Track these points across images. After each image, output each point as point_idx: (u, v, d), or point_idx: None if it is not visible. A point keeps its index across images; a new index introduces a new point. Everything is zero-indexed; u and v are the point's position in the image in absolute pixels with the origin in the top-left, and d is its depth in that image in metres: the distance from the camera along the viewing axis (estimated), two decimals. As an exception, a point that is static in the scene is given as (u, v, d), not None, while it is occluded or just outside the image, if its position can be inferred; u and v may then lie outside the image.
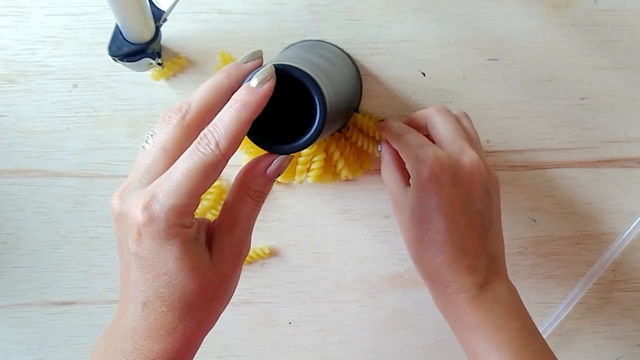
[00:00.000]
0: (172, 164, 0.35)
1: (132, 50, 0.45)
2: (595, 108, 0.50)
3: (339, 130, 0.50)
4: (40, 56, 0.50)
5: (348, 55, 0.49)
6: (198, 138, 0.35)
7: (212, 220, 0.38)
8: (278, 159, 0.39)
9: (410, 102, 0.50)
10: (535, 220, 0.52)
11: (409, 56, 0.49)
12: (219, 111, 0.35)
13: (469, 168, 0.40)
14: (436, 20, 0.49)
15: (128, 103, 0.51)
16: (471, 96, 0.50)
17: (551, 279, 0.52)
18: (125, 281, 0.36)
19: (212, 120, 0.35)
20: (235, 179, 0.39)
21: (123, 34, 0.45)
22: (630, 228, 0.51)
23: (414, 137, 0.42)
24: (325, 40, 0.49)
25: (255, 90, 0.36)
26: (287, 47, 0.49)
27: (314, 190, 0.52)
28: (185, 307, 0.36)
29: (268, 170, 0.39)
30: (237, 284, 0.40)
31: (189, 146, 0.35)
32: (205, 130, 0.35)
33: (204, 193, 0.35)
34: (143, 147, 0.36)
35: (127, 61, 0.46)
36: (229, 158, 0.35)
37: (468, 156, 0.41)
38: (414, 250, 0.42)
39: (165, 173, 0.34)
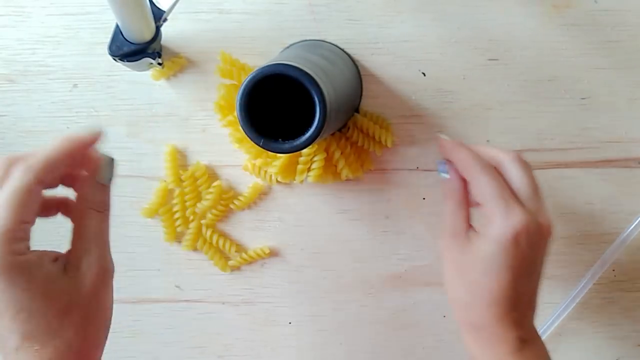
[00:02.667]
0: None
1: (133, 50, 0.45)
2: (596, 108, 0.50)
3: (340, 130, 0.50)
4: (41, 56, 0.50)
5: (348, 55, 0.49)
6: (10, 170, 0.35)
7: (61, 252, 0.38)
8: (95, 163, 0.38)
9: (411, 102, 0.50)
10: (535, 220, 0.52)
11: (409, 56, 0.49)
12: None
13: (545, 233, 0.40)
14: (436, 20, 0.49)
15: (128, 103, 0.51)
16: (471, 96, 0.50)
17: (551, 279, 0.52)
18: None
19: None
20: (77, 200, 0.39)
21: (123, 33, 0.45)
22: (631, 228, 0.51)
23: (499, 185, 0.40)
24: (326, 40, 0.49)
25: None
26: (288, 47, 0.49)
27: (314, 190, 0.52)
28: (55, 337, 0.34)
29: (97, 178, 0.38)
30: (112, 303, 0.39)
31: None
32: (16, 163, 0.35)
33: (30, 219, 0.35)
34: None
35: (128, 61, 0.46)
36: (44, 182, 0.35)
37: (545, 219, 0.40)
38: (464, 296, 0.41)
39: None
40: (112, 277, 0.38)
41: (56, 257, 0.37)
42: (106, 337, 0.39)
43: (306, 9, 0.49)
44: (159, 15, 0.45)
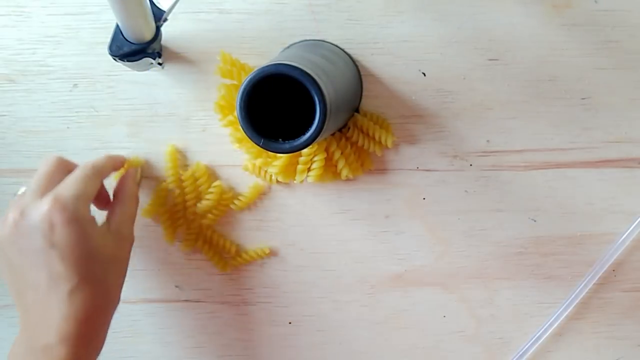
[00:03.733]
0: (53, 185, 0.43)
1: (133, 49, 0.45)
2: (596, 108, 0.50)
3: (340, 130, 0.50)
4: (41, 56, 0.50)
5: (349, 55, 0.49)
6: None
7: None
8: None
9: (411, 102, 0.50)
10: (535, 220, 0.52)
11: (409, 56, 0.49)
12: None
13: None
14: (437, 20, 0.49)
15: (128, 103, 0.51)
16: (471, 96, 0.50)
17: (551, 279, 0.52)
18: (34, 286, 0.41)
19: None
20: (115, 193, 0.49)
21: (123, 33, 0.45)
22: (631, 228, 0.51)
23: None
24: (326, 40, 0.49)
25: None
26: (288, 47, 0.49)
27: (314, 190, 0.52)
28: (101, 282, 0.43)
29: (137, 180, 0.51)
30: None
31: (60, 173, 0.44)
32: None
33: (94, 191, 0.44)
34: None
35: (128, 61, 0.46)
36: (100, 175, 0.46)
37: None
38: None
39: (61, 182, 0.43)
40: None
41: (102, 225, 0.45)
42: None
43: (306, 9, 0.49)
44: (159, 15, 0.45)
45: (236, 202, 0.51)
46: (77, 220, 0.41)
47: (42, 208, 0.40)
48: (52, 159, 0.45)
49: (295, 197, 0.52)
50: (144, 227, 0.53)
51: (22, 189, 0.44)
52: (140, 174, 0.51)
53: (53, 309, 0.40)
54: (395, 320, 0.54)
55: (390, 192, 0.52)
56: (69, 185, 0.42)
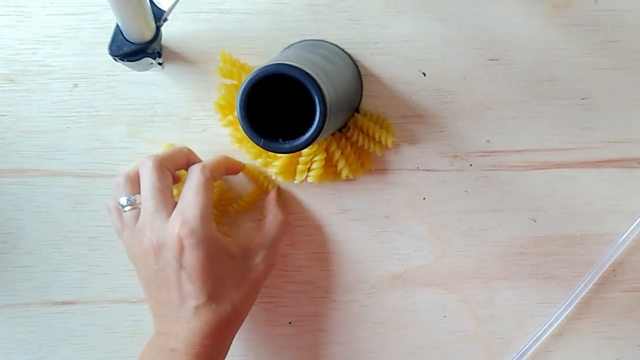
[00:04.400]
0: (169, 196, 0.45)
1: (133, 49, 0.45)
2: (596, 108, 0.50)
3: (340, 130, 0.50)
4: (41, 56, 0.50)
5: (349, 55, 0.49)
6: (189, 170, 0.47)
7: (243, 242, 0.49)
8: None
9: (411, 102, 0.50)
10: (535, 220, 0.52)
11: (409, 56, 0.49)
12: (179, 159, 0.48)
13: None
14: (437, 20, 0.49)
15: (129, 103, 0.51)
16: (471, 96, 0.50)
17: (551, 279, 0.52)
18: (167, 300, 0.45)
19: (173, 164, 0.47)
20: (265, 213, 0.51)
21: (123, 33, 0.45)
22: (631, 228, 0.51)
23: None
24: (326, 40, 0.49)
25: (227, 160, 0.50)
26: (288, 47, 0.49)
27: (314, 190, 0.52)
28: (228, 300, 0.45)
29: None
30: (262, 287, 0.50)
31: (169, 182, 0.46)
32: (192, 166, 0.47)
33: (212, 196, 0.46)
34: (121, 208, 0.46)
35: (128, 61, 0.46)
36: (216, 179, 0.47)
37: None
38: None
39: (179, 201, 0.45)
40: (271, 270, 0.49)
41: (238, 244, 0.47)
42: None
43: (306, 9, 0.49)
44: (159, 15, 0.45)
45: (235, 205, 0.51)
46: (204, 242, 0.44)
47: (172, 233, 0.43)
48: (152, 168, 0.45)
49: (295, 197, 0.52)
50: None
51: (123, 199, 0.46)
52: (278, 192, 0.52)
53: (182, 320, 0.44)
54: (395, 320, 0.54)
55: (390, 192, 0.52)
56: (191, 204, 0.44)
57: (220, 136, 0.51)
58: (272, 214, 0.50)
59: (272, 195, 0.51)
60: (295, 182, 0.50)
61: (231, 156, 0.50)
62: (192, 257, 0.43)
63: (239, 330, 0.49)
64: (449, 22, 0.49)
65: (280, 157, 0.48)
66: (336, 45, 0.49)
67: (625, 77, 0.50)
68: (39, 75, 0.51)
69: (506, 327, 0.53)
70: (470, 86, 0.50)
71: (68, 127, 0.51)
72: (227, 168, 0.49)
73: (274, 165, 0.49)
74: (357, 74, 0.49)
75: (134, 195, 0.46)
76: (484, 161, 0.51)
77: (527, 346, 0.53)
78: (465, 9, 0.49)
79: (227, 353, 0.47)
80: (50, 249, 0.53)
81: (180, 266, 0.44)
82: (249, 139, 0.40)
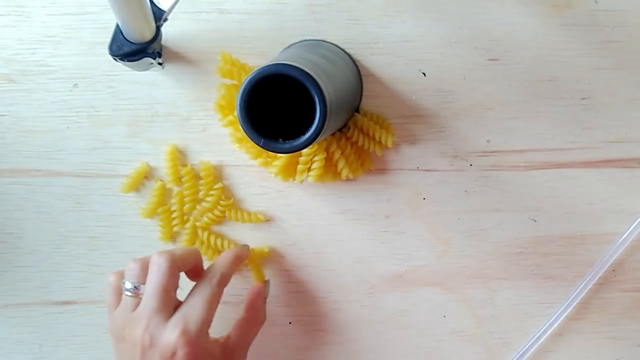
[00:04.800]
0: (173, 296, 0.45)
1: (133, 49, 0.45)
2: (596, 108, 0.50)
3: (340, 130, 0.50)
4: (41, 55, 0.50)
5: (349, 54, 0.49)
6: (203, 275, 0.46)
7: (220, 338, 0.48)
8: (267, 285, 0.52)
9: (411, 102, 0.50)
10: (535, 220, 0.52)
11: (409, 56, 0.49)
12: (189, 260, 0.47)
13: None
14: (437, 20, 0.49)
15: (129, 103, 0.51)
16: (471, 96, 0.50)
17: (551, 279, 0.52)
18: None
19: (184, 265, 0.46)
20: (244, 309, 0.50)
21: (124, 33, 0.45)
22: (631, 228, 0.51)
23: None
24: (326, 40, 0.49)
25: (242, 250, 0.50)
26: (288, 47, 0.49)
27: (314, 190, 0.52)
28: None
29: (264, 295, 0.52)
30: None
31: (177, 282, 0.45)
32: (206, 270, 0.47)
33: (213, 317, 0.45)
34: (123, 290, 0.46)
35: (128, 61, 0.46)
36: (223, 288, 0.46)
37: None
38: None
39: (185, 304, 0.44)
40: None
41: (219, 344, 0.47)
42: None
43: (306, 9, 0.49)
44: (159, 15, 0.45)
45: (233, 212, 0.51)
46: (197, 355, 0.43)
47: (169, 338, 0.42)
48: (166, 268, 0.44)
49: (295, 197, 0.52)
50: (144, 227, 0.53)
51: (129, 284, 0.45)
52: (268, 288, 0.52)
53: None
54: (395, 320, 0.54)
55: (390, 192, 0.52)
56: (196, 313, 0.44)
57: (220, 136, 0.51)
58: (255, 312, 0.50)
59: (259, 289, 0.51)
60: (295, 182, 0.50)
61: (222, 190, 0.51)
62: None
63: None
64: (449, 22, 0.49)
65: (280, 157, 0.48)
66: (336, 45, 0.49)
67: (625, 77, 0.50)
68: (39, 75, 0.51)
69: (506, 327, 0.53)
70: (470, 86, 0.50)
71: (68, 127, 0.51)
72: (237, 267, 0.50)
73: (274, 165, 0.49)
74: (357, 73, 0.49)
75: (139, 284, 0.45)
76: (484, 161, 0.51)
77: (527, 346, 0.53)
78: (465, 9, 0.49)
79: None
80: (50, 248, 0.53)
81: None
82: (249, 139, 0.40)
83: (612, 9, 0.49)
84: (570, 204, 0.52)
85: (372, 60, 0.50)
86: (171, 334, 0.42)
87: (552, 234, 0.52)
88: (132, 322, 0.44)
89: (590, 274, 0.52)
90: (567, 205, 0.52)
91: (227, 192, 0.52)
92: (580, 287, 0.52)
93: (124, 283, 0.45)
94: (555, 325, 0.52)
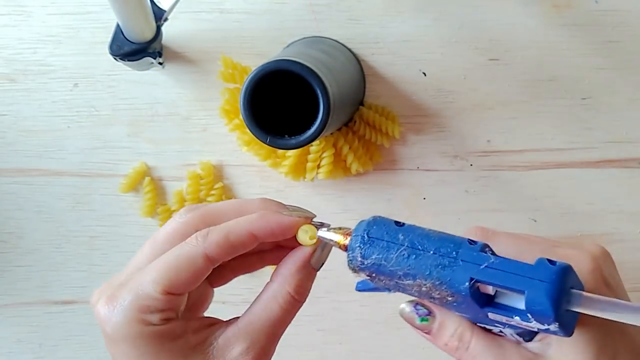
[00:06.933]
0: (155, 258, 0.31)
1: (133, 49, 0.45)
2: (596, 108, 0.50)
3: (346, 125, 0.49)
4: (41, 55, 0.50)
5: (349, 49, 0.49)
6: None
7: (229, 320, 0.34)
8: (319, 248, 0.34)
9: (411, 101, 0.50)
10: (535, 220, 0.52)
11: (410, 56, 0.49)
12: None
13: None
14: (437, 20, 0.49)
15: (129, 102, 0.51)
16: (472, 96, 0.50)
17: (551, 279, 0.52)
18: None
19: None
20: (272, 277, 0.34)
21: (124, 33, 0.45)
22: (631, 228, 0.51)
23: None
24: (326, 36, 0.49)
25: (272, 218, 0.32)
26: (288, 46, 0.49)
27: (315, 189, 0.52)
28: None
29: (312, 262, 0.34)
30: None
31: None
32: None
33: (182, 291, 0.31)
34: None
35: (128, 60, 0.46)
36: (214, 262, 0.31)
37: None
38: None
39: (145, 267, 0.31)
40: None
41: (212, 323, 0.34)
42: None
43: (307, 8, 0.49)
44: (159, 15, 0.45)
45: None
46: (130, 339, 0.30)
47: (95, 304, 0.31)
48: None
49: (296, 197, 0.52)
50: (144, 227, 0.53)
51: None
52: (329, 250, 0.35)
53: None
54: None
55: (391, 192, 0.52)
56: (136, 281, 0.31)
57: (220, 136, 0.51)
58: (287, 283, 0.34)
59: (305, 253, 0.34)
60: (306, 180, 0.49)
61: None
62: (116, 352, 0.31)
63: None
64: (449, 22, 0.49)
65: (290, 156, 0.48)
66: (336, 40, 0.49)
67: (625, 77, 0.50)
68: (40, 75, 0.51)
69: (506, 327, 0.53)
70: (470, 86, 0.50)
71: (68, 127, 0.51)
72: (264, 238, 0.33)
73: (284, 165, 0.48)
74: (359, 67, 0.49)
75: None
76: (484, 161, 0.51)
77: (527, 346, 0.53)
78: (465, 9, 0.49)
79: None
80: (50, 248, 0.53)
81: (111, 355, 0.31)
82: (257, 141, 0.40)
83: (612, 9, 0.49)
84: (570, 204, 0.52)
85: (373, 59, 0.50)
86: (97, 300, 0.31)
87: (552, 234, 0.52)
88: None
89: (590, 273, 0.52)
90: (567, 205, 0.52)
91: (227, 192, 0.52)
92: (581, 287, 0.52)
93: None
94: (555, 325, 0.52)
